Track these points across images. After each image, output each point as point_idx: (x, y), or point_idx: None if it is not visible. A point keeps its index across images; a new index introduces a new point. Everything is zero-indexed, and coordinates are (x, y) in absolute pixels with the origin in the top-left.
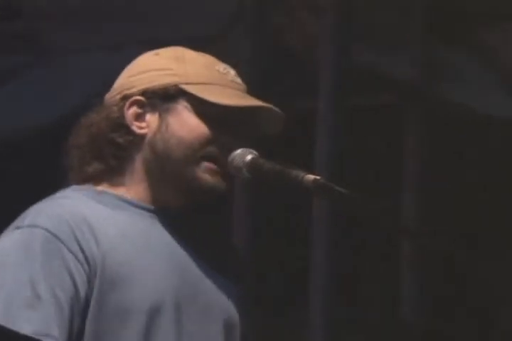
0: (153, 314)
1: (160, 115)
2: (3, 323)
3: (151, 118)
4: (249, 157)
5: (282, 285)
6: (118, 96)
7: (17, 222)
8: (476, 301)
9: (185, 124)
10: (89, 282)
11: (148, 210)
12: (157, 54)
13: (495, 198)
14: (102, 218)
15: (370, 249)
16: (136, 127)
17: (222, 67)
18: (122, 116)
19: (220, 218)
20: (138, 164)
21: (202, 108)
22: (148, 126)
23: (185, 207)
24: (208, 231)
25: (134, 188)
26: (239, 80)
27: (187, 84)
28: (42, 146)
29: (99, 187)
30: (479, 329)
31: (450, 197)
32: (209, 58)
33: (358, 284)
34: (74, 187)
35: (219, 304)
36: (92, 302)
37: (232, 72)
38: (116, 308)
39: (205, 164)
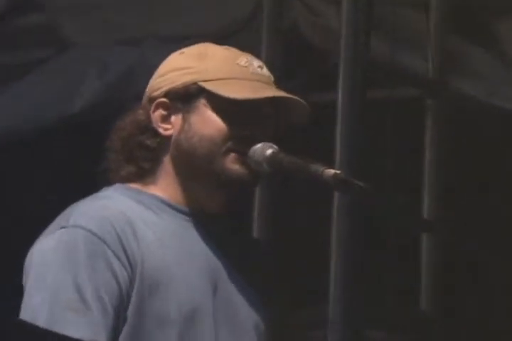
0: (188, 322)
1: (183, 115)
2: (48, 326)
3: (176, 119)
4: (269, 151)
5: (302, 279)
6: (146, 99)
7: (60, 221)
8: (494, 297)
9: (206, 121)
10: (131, 285)
11: (184, 213)
12: (182, 53)
13: None
14: (141, 220)
15: (390, 244)
16: (162, 129)
17: (244, 60)
18: (148, 119)
19: (244, 217)
20: (167, 165)
21: (220, 103)
22: (173, 127)
23: (219, 211)
24: (238, 236)
25: (169, 189)
26: (262, 71)
27: (205, 81)
28: (62, 139)
29: (140, 187)
30: (497, 324)
31: (470, 192)
32: (232, 52)
33: (377, 279)
34: (116, 186)
35: (249, 314)
36: (132, 306)
37: (256, 63)
38: (153, 313)
39: (233, 154)
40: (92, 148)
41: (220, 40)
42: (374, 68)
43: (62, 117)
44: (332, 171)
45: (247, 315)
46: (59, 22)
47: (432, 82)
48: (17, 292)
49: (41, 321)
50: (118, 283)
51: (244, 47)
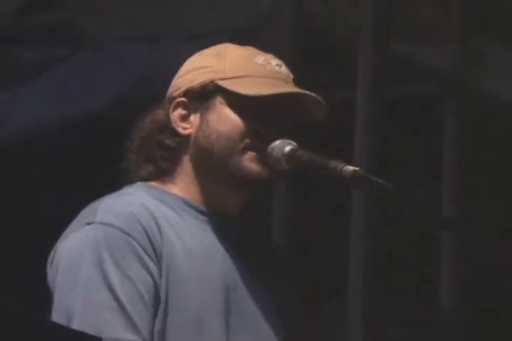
0: (202, 322)
1: (201, 113)
2: (83, 326)
3: (195, 118)
4: (287, 148)
5: (321, 277)
6: (166, 99)
7: (85, 217)
8: None
9: (223, 119)
10: (160, 281)
11: (203, 213)
12: (201, 54)
13: None
14: (163, 217)
15: (410, 241)
16: (181, 128)
17: (262, 58)
18: (168, 119)
19: (261, 218)
20: (186, 165)
21: (237, 101)
22: (192, 127)
23: (235, 212)
24: (253, 238)
25: (188, 189)
26: (281, 69)
27: (223, 79)
28: (79, 137)
29: (162, 186)
30: None
31: (490, 188)
32: (250, 51)
33: (397, 275)
34: (138, 184)
35: (264, 314)
36: (160, 303)
37: (274, 62)
38: (174, 312)
39: (250, 153)
40: (113, 147)
41: (239, 37)
42: (394, 65)
43: (82, 115)
44: (351, 168)
45: (262, 314)
46: (79, 19)
47: (453, 79)
48: (40, 290)
49: (75, 322)
50: (153, 280)
51: (264, 44)
